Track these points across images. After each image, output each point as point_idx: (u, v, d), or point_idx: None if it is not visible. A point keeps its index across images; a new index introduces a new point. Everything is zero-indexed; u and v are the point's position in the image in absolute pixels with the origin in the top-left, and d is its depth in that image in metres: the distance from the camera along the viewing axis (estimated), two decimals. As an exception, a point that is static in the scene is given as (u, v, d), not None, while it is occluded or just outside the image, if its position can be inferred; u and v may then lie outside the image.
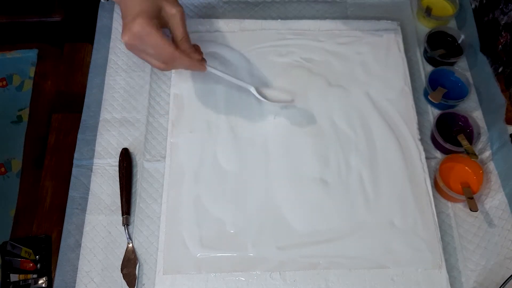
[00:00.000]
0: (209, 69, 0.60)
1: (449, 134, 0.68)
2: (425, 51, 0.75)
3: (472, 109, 0.73)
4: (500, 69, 0.80)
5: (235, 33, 0.75)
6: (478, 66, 0.75)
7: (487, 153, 0.69)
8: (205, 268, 0.59)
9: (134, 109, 0.72)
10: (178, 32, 0.58)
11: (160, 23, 0.56)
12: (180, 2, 0.80)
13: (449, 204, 0.66)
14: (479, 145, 0.70)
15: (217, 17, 0.78)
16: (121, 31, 0.56)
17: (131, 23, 0.54)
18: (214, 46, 0.73)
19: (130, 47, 0.56)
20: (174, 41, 0.57)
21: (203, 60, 0.60)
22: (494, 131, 0.69)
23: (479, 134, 0.68)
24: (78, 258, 0.62)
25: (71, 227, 0.64)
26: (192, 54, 0.58)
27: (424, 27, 0.80)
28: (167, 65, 0.58)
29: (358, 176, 0.65)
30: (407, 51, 0.75)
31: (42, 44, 1.13)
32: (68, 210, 0.65)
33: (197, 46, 0.62)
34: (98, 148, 0.69)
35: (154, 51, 0.55)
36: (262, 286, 0.58)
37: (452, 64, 0.75)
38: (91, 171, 0.67)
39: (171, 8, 0.57)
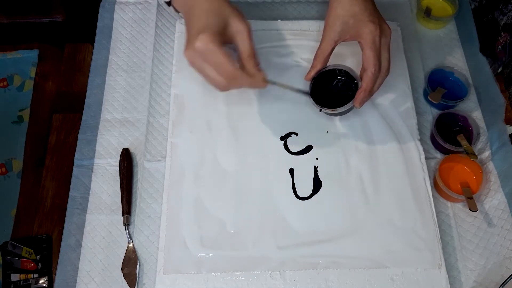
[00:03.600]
0: (269, 84, 0.59)
1: (448, 134, 0.68)
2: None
3: (471, 109, 0.73)
4: (500, 69, 0.81)
5: (235, 34, 0.75)
6: (477, 66, 0.75)
7: (486, 153, 0.69)
8: (205, 267, 0.59)
9: (135, 109, 0.72)
10: (245, 49, 0.56)
11: (225, 39, 0.55)
12: (180, 2, 0.81)
13: (449, 204, 0.66)
14: (479, 145, 0.70)
15: (218, 18, 0.78)
16: (182, 48, 0.54)
17: (194, 38, 0.52)
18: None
19: (192, 63, 0.55)
20: (240, 58, 0.56)
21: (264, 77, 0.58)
22: (494, 131, 0.70)
23: (478, 134, 0.69)
24: (79, 258, 0.62)
25: (72, 227, 0.64)
26: (256, 73, 0.56)
27: (424, 28, 0.80)
28: (228, 84, 0.55)
29: (358, 176, 0.65)
30: (406, 51, 0.75)
31: (43, 44, 1.13)
32: (68, 210, 0.65)
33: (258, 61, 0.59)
34: (98, 148, 0.69)
35: (215, 69, 0.54)
36: (262, 286, 0.58)
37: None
38: (92, 171, 0.67)
39: (238, 24, 0.55)
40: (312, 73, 0.64)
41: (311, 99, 0.64)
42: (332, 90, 0.65)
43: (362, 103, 0.61)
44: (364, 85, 0.60)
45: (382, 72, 0.61)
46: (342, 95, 0.64)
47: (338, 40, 0.62)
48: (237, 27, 0.55)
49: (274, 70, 0.72)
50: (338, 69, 0.65)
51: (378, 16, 0.61)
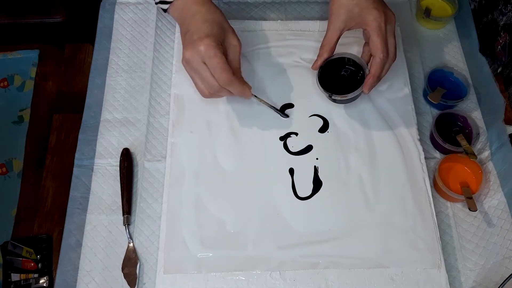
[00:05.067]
0: (252, 97, 0.65)
1: (448, 134, 0.68)
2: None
3: (471, 109, 0.73)
4: (499, 70, 0.81)
5: (235, 34, 0.76)
6: (477, 66, 0.75)
7: (486, 153, 0.69)
8: (205, 267, 0.59)
9: (135, 109, 0.72)
10: (235, 63, 0.61)
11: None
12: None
13: (448, 204, 0.67)
14: (478, 145, 0.70)
15: (218, 18, 0.78)
16: (182, 48, 0.59)
17: (198, 41, 0.56)
18: (214, 47, 0.73)
19: (187, 63, 0.58)
20: None
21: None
22: (493, 131, 0.70)
23: (478, 134, 0.69)
24: (79, 258, 0.62)
25: (72, 226, 0.64)
26: (245, 84, 0.61)
27: (424, 28, 0.80)
28: (219, 89, 0.59)
29: (358, 176, 0.65)
30: (406, 51, 0.75)
31: (43, 44, 1.14)
32: (69, 210, 0.65)
33: None
34: (99, 148, 0.69)
35: (212, 73, 0.57)
36: (262, 286, 0.58)
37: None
38: (92, 171, 0.67)
39: (234, 39, 0.61)
40: (319, 62, 0.66)
41: (320, 87, 0.66)
42: (340, 78, 0.66)
43: (370, 88, 0.63)
44: (373, 71, 0.61)
45: (389, 57, 0.62)
46: (350, 83, 0.65)
47: (343, 29, 0.64)
48: (232, 42, 0.61)
49: (274, 70, 0.72)
50: (345, 58, 0.67)
51: (381, 2, 0.63)
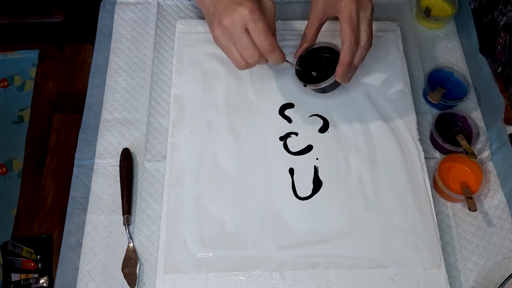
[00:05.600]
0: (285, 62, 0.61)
1: (448, 134, 0.68)
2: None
3: (471, 109, 0.73)
4: (499, 70, 0.81)
5: (235, 34, 0.76)
6: (477, 66, 0.75)
7: (486, 153, 0.69)
8: (205, 267, 0.59)
9: (135, 109, 0.72)
10: (272, 25, 0.57)
11: None
12: (181, 2, 0.81)
13: (448, 204, 0.67)
14: (478, 145, 0.70)
15: (218, 18, 0.78)
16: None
17: (239, 5, 0.52)
18: (214, 47, 0.73)
19: (226, 30, 0.54)
20: None
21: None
22: (493, 131, 0.70)
23: (478, 134, 0.69)
24: (79, 258, 0.62)
25: (72, 226, 0.64)
26: (279, 49, 0.57)
27: (424, 28, 0.80)
28: (259, 58, 0.55)
29: (358, 176, 0.65)
30: (406, 51, 0.75)
31: (43, 44, 1.14)
32: (69, 210, 0.65)
33: None
34: (99, 148, 0.69)
35: (255, 39, 0.53)
36: (262, 286, 0.58)
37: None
38: (92, 171, 0.67)
39: (268, 1, 0.57)
40: (299, 52, 0.66)
41: (296, 76, 0.66)
42: (319, 67, 0.66)
43: (343, 77, 0.61)
44: (342, 58, 0.59)
45: (361, 45, 0.60)
46: (328, 72, 0.64)
47: (322, 18, 0.63)
48: (266, 4, 0.57)
49: (274, 70, 0.72)
50: (324, 47, 0.66)
51: None
